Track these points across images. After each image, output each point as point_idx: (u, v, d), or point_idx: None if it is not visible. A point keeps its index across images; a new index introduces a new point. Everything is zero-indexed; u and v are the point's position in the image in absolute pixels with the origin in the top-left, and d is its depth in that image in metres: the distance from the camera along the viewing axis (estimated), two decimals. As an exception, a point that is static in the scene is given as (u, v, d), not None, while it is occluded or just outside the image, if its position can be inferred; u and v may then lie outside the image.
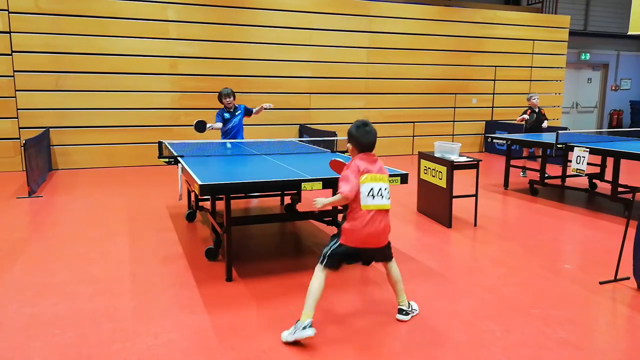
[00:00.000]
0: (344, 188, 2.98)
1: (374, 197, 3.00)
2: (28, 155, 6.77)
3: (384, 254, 3.18)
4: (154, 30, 9.43)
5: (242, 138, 6.75)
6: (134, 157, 9.59)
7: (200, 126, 6.14)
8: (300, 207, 6.10)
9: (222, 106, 6.59)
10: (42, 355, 2.80)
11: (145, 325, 3.15)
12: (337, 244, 3.05)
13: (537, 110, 8.67)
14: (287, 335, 2.93)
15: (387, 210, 3.09)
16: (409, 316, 3.25)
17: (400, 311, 3.25)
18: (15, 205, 6.31)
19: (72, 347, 2.89)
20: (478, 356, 2.82)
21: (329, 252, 3.04)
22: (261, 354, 2.83)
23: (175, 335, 3.03)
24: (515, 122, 9.47)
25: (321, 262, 3.05)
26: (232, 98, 6.56)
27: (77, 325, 3.15)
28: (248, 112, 6.77)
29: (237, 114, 6.67)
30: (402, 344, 2.96)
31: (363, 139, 3.09)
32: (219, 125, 6.55)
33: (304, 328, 2.88)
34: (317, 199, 2.99)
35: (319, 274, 3.04)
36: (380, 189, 3.03)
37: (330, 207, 2.83)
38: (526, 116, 8.60)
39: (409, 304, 3.29)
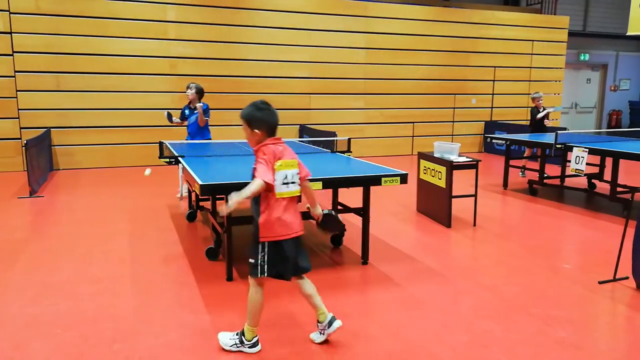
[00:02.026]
0: (268, 176, 2.70)
1: (287, 184, 2.80)
2: (29, 155, 6.78)
3: (303, 251, 2.96)
4: (153, 31, 9.44)
5: (202, 138, 6.37)
6: (135, 157, 9.60)
7: (169, 117, 6.46)
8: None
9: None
10: (43, 355, 2.81)
11: (145, 324, 3.16)
12: (262, 250, 2.79)
13: (541, 110, 8.66)
14: (231, 345, 2.85)
15: (297, 197, 2.90)
16: (323, 336, 2.95)
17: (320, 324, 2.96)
18: (16, 205, 6.32)
19: (73, 346, 2.90)
20: (478, 356, 2.83)
21: (260, 262, 2.78)
22: (261, 353, 2.84)
23: (176, 334, 3.04)
24: (513, 122, 9.47)
25: (261, 273, 2.79)
26: (193, 91, 6.34)
27: (78, 325, 3.16)
28: (205, 113, 6.38)
29: (195, 112, 6.40)
30: (401, 344, 2.97)
31: (270, 119, 2.86)
32: (177, 120, 6.53)
33: (254, 345, 2.84)
34: (231, 196, 2.60)
35: (255, 286, 2.84)
36: (292, 175, 2.83)
37: (247, 199, 2.62)
38: (548, 109, 8.62)
39: (329, 322, 2.93)
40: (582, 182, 7.87)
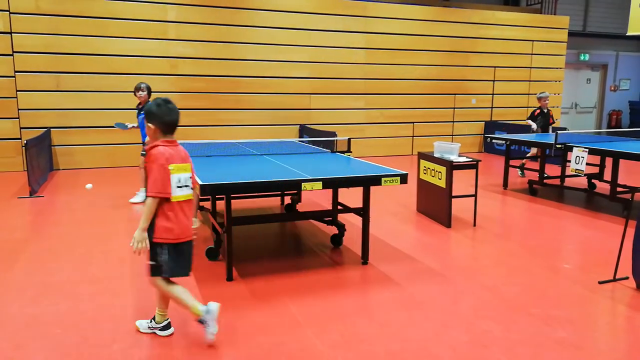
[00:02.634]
0: (155, 188, 2.74)
1: (181, 188, 2.83)
2: (29, 155, 6.78)
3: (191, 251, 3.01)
4: (153, 31, 9.44)
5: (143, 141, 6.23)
6: (135, 157, 9.58)
7: (121, 127, 6.50)
8: (300, 207, 6.12)
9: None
10: (43, 355, 2.81)
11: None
12: (159, 251, 2.84)
13: (546, 110, 8.59)
14: (145, 327, 3.06)
15: (191, 200, 2.93)
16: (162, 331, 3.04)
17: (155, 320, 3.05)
18: (16, 205, 6.32)
19: (73, 346, 2.90)
20: (478, 356, 2.83)
21: (158, 262, 2.85)
22: (261, 353, 2.84)
23: (176, 334, 3.04)
24: (513, 122, 9.46)
25: (158, 274, 2.86)
26: (144, 93, 6.21)
27: (78, 325, 3.16)
28: None
29: (142, 112, 6.18)
30: (401, 344, 2.97)
31: (167, 117, 2.87)
32: (134, 125, 6.44)
33: (164, 328, 3.02)
34: (134, 237, 2.74)
35: (162, 284, 2.90)
36: (186, 179, 2.87)
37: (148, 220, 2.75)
38: (534, 126, 8.49)
39: (164, 326, 3.04)
40: (582, 182, 7.88)
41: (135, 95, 6.34)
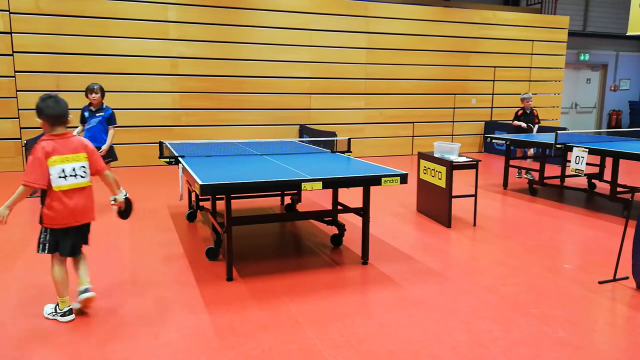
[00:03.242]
0: (27, 177, 3.00)
1: (66, 177, 3.06)
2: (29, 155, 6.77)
3: (85, 234, 3.30)
4: (154, 31, 9.44)
5: (103, 143, 6.05)
6: (135, 157, 9.60)
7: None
8: (300, 207, 6.12)
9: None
10: (43, 356, 2.81)
11: (145, 325, 3.16)
12: (45, 231, 3.15)
13: (528, 111, 8.64)
14: (48, 312, 3.24)
15: (84, 188, 3.17)
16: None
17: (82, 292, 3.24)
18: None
19: (73, 347, 2.90)
20: (478, 356, 2.83)
21: (41, 241, 3.17)
22: (261, 353, 2.84)
23: (176, 335, 3.05)
24: (511, 123, 9.45)
25: (42, 251, 3.17)
26: (98, 95, 5.98)
27: (77, 325, 3.16)
28: (110, 121, 6.12)
29: (97, 115, 6.05)
30: (401, 344, 2.97)
31: (51, 110, 3.04)
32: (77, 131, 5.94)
33: (65, 314, 3.19)
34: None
35: (52, 263, 3.22)
36: (73, 168, 3.09)
37: (14, 204, 3.04)
38: (523, 125, 8.53)
39: (82, 291, 3.23)
40: (582, 182, 7.88)
41: (87, 96, 6.05)
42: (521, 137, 7.69)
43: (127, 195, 3.62)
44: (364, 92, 11.23)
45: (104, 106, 6.19)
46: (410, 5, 11.48)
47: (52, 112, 3.06)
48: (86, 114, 6.12)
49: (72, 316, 3.21)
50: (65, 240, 3.17)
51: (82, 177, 3.13)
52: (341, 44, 10.86)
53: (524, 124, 8.56)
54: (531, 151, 8.62)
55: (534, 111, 8.72)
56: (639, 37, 16.53)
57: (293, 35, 10.44)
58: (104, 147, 6.09)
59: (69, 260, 3.30)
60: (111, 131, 6.23)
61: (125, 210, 3.53)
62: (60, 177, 3.03)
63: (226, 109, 10.18)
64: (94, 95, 6.02)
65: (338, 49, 10.85)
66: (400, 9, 11.29)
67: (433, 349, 2.91)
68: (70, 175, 3.07)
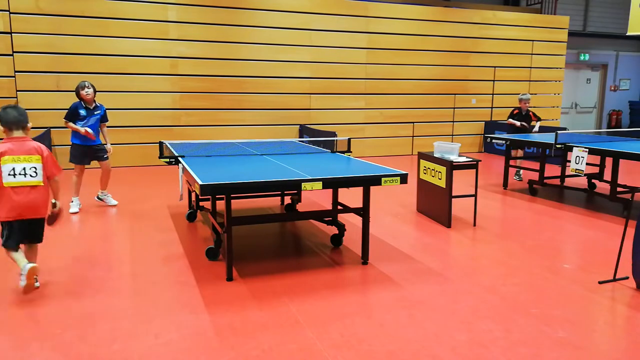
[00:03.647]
0: None
1: (15, 175, 3.45)
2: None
3: (36, 230, 3.64)
4: (154, 31, 9.44)
5: (97, 144, 6.05)
6: (135, 157, 9.60)
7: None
8: (300, 207, 6.12)
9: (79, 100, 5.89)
10: (43, 355, 2.81)
11: (145, 325, 3.17)
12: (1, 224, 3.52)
13: (524, 113, 8.60)
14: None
15: (34, 186, 3.52)
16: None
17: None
18: (15, 206, 6.30)
19: (73, 346, 2.90)
20: (478, 356, 2.83)
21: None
22: (261, 353, 2.84)
23: (176, 335, 3.05)
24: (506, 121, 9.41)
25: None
26: (91, 90, 5.83)
27: (77, 325, 3.16)
28: (104, 118, 6.08)
29: (95, 113, 5.94)
30: (401, 344, 2.97)
31: (9, 116, 3.53)
32: (75, 126, 5.80)
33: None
34: None
35: (9, 254, 3.56)
36: (24, 168, 3.47)
37: None
38: (517, 123, 8.51)
39: (24, 268, 3.51)
40: (582, 182, 7.88)
41: (79, 94, 5.85)
42: (521, 137, 7.69)
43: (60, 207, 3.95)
44: (364, 92, 11.23)
45: (98, 104, 6.12)
46: (410, 5, 11.48)
47: (8, 119, 3.53)
48: (83, 112, 5.89)
49: (24, 281, 3.51)
50: (12, 233, 3.52)
51: (32, 176, 3.50)
52: (341, 44, 10.86)
53: (517, 123, 8.54)
54: (520, 152, 8.56)
55: (530, 112, 8.67)
56: (639, 37, 16.53)
57: (293, 35, 10.45)
58: (110, 147, 6.30)
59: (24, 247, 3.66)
60: (105, 129, 6.29)
61: (55, 216, 3.85)
62: (9, 174, 3.44)
63: (226, 109, 10.18)
64: (87, 91, 5.83)
65: (338, 49, 10.85)
66: (400, 9, 11.29)
67: (433, 349, 2.91)
68: (20, 174, 3.46)
